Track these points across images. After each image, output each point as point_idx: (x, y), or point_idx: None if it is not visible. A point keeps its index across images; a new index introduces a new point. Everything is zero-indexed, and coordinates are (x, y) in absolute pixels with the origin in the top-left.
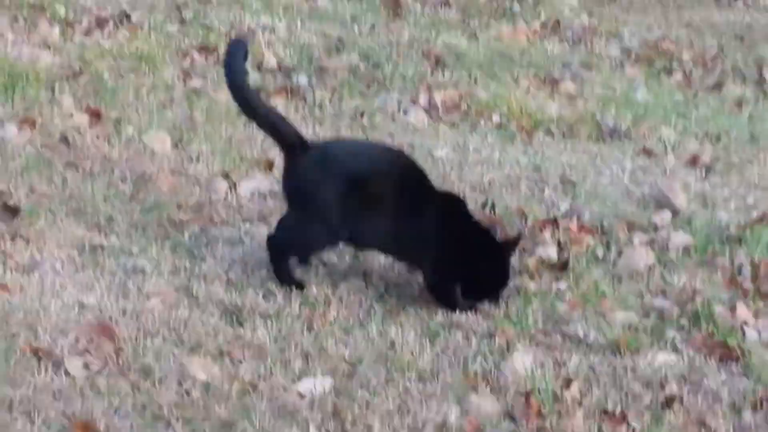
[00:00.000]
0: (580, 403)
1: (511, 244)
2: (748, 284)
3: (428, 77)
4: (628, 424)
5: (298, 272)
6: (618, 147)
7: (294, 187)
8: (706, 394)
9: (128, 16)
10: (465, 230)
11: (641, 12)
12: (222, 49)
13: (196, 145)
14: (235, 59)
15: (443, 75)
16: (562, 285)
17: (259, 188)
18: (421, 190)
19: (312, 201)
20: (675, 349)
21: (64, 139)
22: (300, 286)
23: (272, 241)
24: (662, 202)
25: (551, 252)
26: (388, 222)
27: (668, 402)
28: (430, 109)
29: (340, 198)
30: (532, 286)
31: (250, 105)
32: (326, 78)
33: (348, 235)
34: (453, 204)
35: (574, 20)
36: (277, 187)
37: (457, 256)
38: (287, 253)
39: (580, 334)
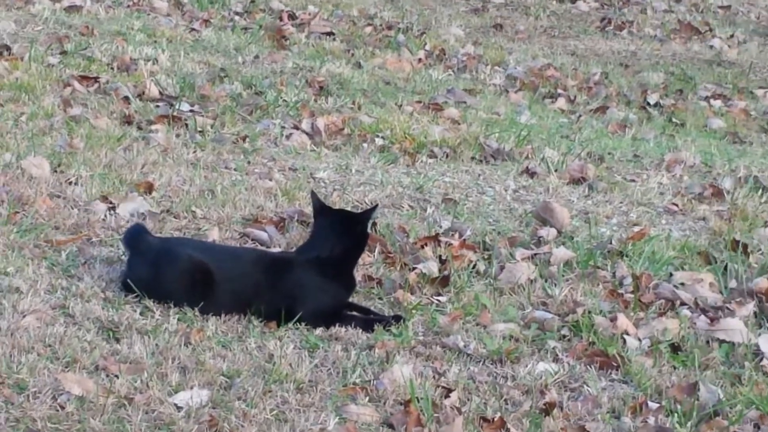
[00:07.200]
0: (459, 411)
1: None
2: (629, 296)
3: (312, 104)
4: (507, 430)
5: None
6: (501, 168)
7: None
8: (585, 400)
9: (8, 48)
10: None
11: (526, 41)
12: (104, 79)
13: (75, 170)
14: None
15: (327, 101)
16: (443, 298)
17: (138, 209)
18: None
19: None
20: (556, 359)
21: None
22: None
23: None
24: (544, 220)
25: (432, 267)
26: None
27: (548, 408)
28: (313, 133)
29: None
30: (412, 299)
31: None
32: (208, 105)
33: None
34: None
35: (459, 49)
36: (156, 208)
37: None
38: None
39: (461, 345)
